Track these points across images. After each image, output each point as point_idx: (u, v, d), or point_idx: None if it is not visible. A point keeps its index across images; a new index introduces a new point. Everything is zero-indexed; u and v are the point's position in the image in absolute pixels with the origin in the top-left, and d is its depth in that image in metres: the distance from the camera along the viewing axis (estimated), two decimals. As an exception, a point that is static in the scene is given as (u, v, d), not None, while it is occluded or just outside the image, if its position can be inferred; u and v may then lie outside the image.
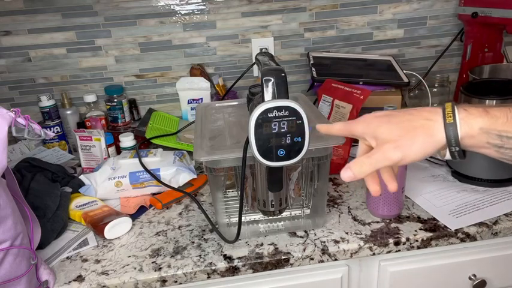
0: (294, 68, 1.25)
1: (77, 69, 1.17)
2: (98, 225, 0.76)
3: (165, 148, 0.99)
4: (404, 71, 1.14)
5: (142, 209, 0.86)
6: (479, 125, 0.45)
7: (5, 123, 0.55)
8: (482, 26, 1.12)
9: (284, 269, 0.73)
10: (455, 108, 0.46)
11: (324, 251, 0.70)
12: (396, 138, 0.47)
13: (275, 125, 0.55)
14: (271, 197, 0.68)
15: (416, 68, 1.28)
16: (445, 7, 1.22)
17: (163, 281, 0.68)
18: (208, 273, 0.69)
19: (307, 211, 0.78)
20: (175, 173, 0.88)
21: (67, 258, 0.73)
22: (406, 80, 1.10)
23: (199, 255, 0.71)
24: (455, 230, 0.72)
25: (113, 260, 0.71)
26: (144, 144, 1.04)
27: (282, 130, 0.55)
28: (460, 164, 0.86)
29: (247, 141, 0.61)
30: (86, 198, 0.85)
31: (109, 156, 1.02)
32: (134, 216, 0.83)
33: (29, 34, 1.11)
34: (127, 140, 1.00)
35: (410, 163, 0.48)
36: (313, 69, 1.11)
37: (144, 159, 0.89)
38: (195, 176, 0.90)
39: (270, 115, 0.54)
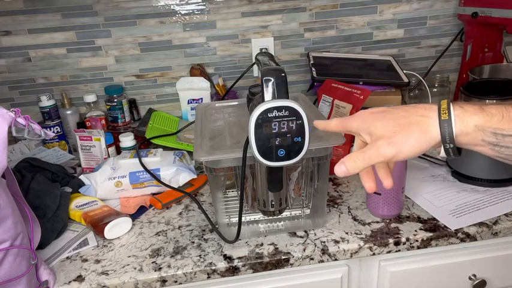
0: (294, 68, 1.25)
1: (77, 69, 1.17)
2: (98, 225, 0.76)
3: (165, 148, 0.99)
4: (404, 71, 1.14)
5: (142, 209, 0.86)
6: (474, 122, 0.45)
7: (5, 123, 0.55)
8: (482, 26, 1.12)
9: (284, 269, 0.73)
10: (451, 105, 0.46)
11: (324, 251, 0.70)
12: (390, 134, 0.47)
13: (275, 125, 0.55)
14: (271, 197, 0.68)
15: (416, 68, 1.28)
16: (445, 7, 1.22)
17: (163, 281, 0.68)
18: (208, 273, 0.69)
19: (307, 211, 0.78)
20: (175, 173, 0.88)
21: (67, 258, 0.73)
22: (406, 80, 1.10)
23: (199, 255, 0.71)
24: (455, 230, 0.72)
25: (113, 260, 0.71)
26: (144, 144, 1.04)
27: (282, 130, 0.55)
28: (460, 164, 0.86)
29: (247, 141, 0.61)
30: (86, 198, 0.85)
31: (109, 156, 1.02)
32: (134, 216, 0.83)
33: (29, 34, 1.11)
34: (127, 140, 1.00)
35: (405, 159, 0.48)
36: (313, 69, 1.11)
37: (144, 159, 0.89)
38: (195, 176, 0.90)
39: (270, 115, 0.54)
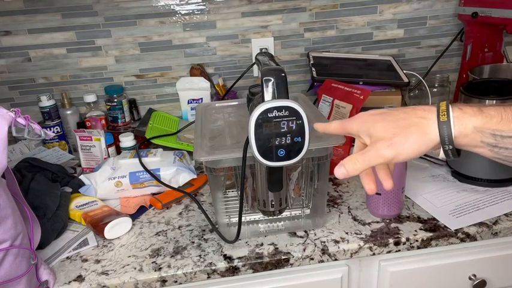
0: (294, 68, 1.25)
1: (77, 69, 1.17)
2: (98, 225, 0.76)
3: (165, 148, 0.99)
4: (404, 71, 1.14)
5: (142, 209, 0.86)
6: (473, 124, 0.45)
7: (5, 123, 0.55)
8: (482, 26, 1.12)
9: (284, 269, 0.73)
10: (450, 106, 0.46)
11: (324, 251, 0.70)
12: (390, 136, 0.48)
13: (275, 125, 0.55)
14: (271, 197, 0.68)
15: (416, 68, 1.28)
16: (445, 7, 1.22)
17: (163, 281, 0.68)
18: (208, 273, 0.69)
19: (307, 211, 0.78)
20: (175, 173, 0.88)
21: (67, 258, 0.73)
22: (406, 80, 1.10)
23: (199, 255, 0.71)
24: (455, 230, 0.72)
25: (113, 260, 0.71)
26: (144, 144, 1.04)
27: (282, 130, 0.55)
28: (460, 164, 0.86)
29: (247, 141, 0.61)
30: (86, 198, 0.85)
31: (109, 156, 1.02)
32: (134, 216, 0.83)
33: (29, 34, 1.11)
34: (127, 140, 1.00)
35: (404, 161, 0.49)
36: (313, 69, 1.11)
37: (144, 159, 0.89)
38: (195, 176, 0.90)
39: (270, 115, 0.54)
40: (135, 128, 1.11)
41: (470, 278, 0.80)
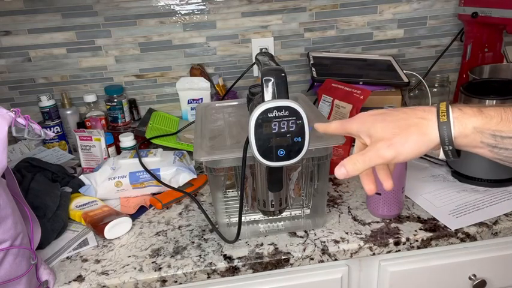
0: (294, 68, 1.25)
1: (77, 69, 1.17)
2: (98, 225, 0.76)
3: (165, 148, 0.99)
4: (404, 71, 1.14)
5: (142, 209, 0.86)
6: (473, 124, 0.45)
7: (5, 123, 0.55)
8: (482, 26, 1.12)
9: (284, 269, 0.73)
10: (450, 107, 0.46)
11: (324, 251, 0.70)
12: (390, 136, 0.48)
13: (275, 125, 0.55)
14: (271, 197, 0.68)
15: (416, 68, 1.28)
16: (445, 7, 1.22)
17: (163, 281, 0.68)
18: (208, 273, 0.69)
19: (307, 211, 0.78)
20: (175, 173, 0.88)
21: (67, 258, 0.73)
22: (406, 80, 1.10)
23: (199, 255, 0.71)
24: (455, 230, 0.72)
25: (113, 260, 0.71)
26: (144, 144, 1.04)
27: (282, 130, 0.55)
28: (460, 164, 0.86)
29: (247, 141, 0.61)
30: (86, 198, 0.85)
31: (109, 156, 1.02)
32: (134, 216, 0.83)
33: (29, 34, 1.11)
34: (127, 140, 1.00)
35: (404, 161, 0.49)
36: (313, 69, 1.11)
37: (144, 159, 0.89)
38: (195, 176, 0.90)
39: (270, 115, 0.54)
40: (135, 128, 1.11)
41: (470, 278, 0.80)
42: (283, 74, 0.56)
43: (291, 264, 0.70)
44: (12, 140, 1.08)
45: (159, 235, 0.77)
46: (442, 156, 0.48)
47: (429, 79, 1.17)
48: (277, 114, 0.54)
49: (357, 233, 0.73)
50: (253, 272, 0.70)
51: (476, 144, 0.46)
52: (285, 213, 0.76)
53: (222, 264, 0.69)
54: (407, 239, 0.72)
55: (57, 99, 1.15)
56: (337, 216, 0.78)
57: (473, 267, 0.80)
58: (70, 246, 0.75)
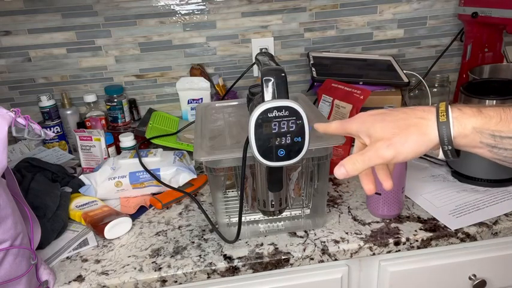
0: (294, 68, 1.25)
1: (77, 69, 1.17)
2: (98, 225, 0.76)
3: (165, 148, 0.99)
4: (404, 71, 1.14)
5: (142, 209, 0.86)
6: (473, 125, 0.45)
7: (5, 123, 0.55)
8: (482, 26, 1.12)
9: (284, 269, 0.73)
10: (449, 107, 0.46)
11: (324, 251, 0.70)
12: (389, 136, 0.48)
13: (275, 125, 0.55)
14: (271, 197, 0.68)
15: (416, 68, 1.28)
16: (445, 7, 1.22)
17: (163, 281, 0.68)
18: (208, 273, 0.69)
19: (307, 211, 0.78)
20: (175, 173, 0.88)
21: (67, 258, 0.73)
22: (406, 80, 1.10)
23: (199, 255, 0.71)
24: (455, 230, 0.72)
25: (113, 260, 0.71)
26: (144, 144, 1.04)
27: (282, 130, 0.55)
28: (460, 164, 0.86)
29: (247, 141, 0.61)
30: (86, 198, 0.85)
31: (109, 156, 1.02)
32: (134, 216, 0.83)
33: (29, 34, 1.11)
34: (127, 140, 1.00)
35: (404, 161, 0.49)
36: (313, 69, 1.11)
37: (144, 159, 0.89)
38: (195, 176, 0.90)
39: (270, 115, 0.54)
40: (135, 128, 1.11)
41: (470, 278, 0.80)
42: (283, 74, 0.56)
43: (291, 264, 0.70)
44: (12, 140, 1.08)
45: (159, 235, 0.77)
46: (441, 156, 0.48)
47: (429, 79, 1.17)
48: (277, 114, 0.54)
49: (357, 233, 0.73)
50: (253, 272, 0.70)
51: (476, 144, 0.46)
52: (285, 213, 0.76)
53: (222, 264, 0.69)
54: (407, 239, 0.72)
55: (57, 99, 1.15)
56: (337, 216, 0.78)
57: (473, 267, 0.80)
58: (70, 246, 0.75)
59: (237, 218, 0.68)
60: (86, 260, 0.72)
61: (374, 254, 0.72)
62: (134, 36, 1.15)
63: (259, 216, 0.76)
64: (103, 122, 1.12)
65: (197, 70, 1.17)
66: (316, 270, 0.75)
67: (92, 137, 1.00)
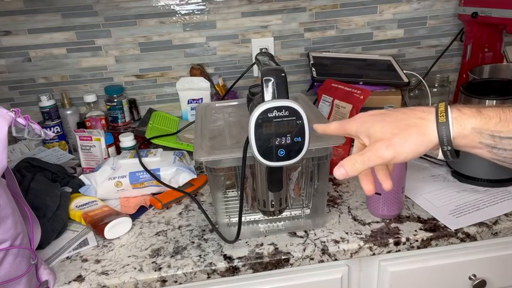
0: (294, 68, 1.25)
1: (77, 69, 1.17)
2: (98, 225, 0.76)
3: (165, 148, 0.99)
4: (404, 71, 1.14)
5: (142, 209, 0.86)
6: (472, 125, 0.45)
7: (5, 123, 0.55)
8: (482, 26, 1.12)
9: (284, 269, 0.73)
10: (449, 107, 0.46)
11: (324, 251, 0.70)
12: (389, 137, 0.48)
13: (275, 125, 0.55)
14: (271, 197, 0.68)
15: (416, 68, 1.28)
16: (445, 7, 1.22)
17: (163, 281, 0.68)
18: (208, 273, 0.69)
19: (307, 211, 0.78)
20: (175, 173, 0.88)
21: (67, 258, 0.73)
22: (406, 80, 1.10)
23: (199, 255, 0.71)
24: (455, 230, 0.72)
25: (113, 260, 0.71)
26: (144, 144, 1.04)
27: (282, 130, 0.55)
28: (460, 164, 0.86)
29: (247, 141, 0.61)
30: (86, 198, 0.85)
31: (109, 156, 1.02)
32: (134, 216, 0.83)
33: (29, 34, 1.11)
34: (127, 140, 1.00)
35: (403, 161, 0.49)
36: (313, 69, 1.11)
37: (144, 159, 0.89)
38: (195, 176, 0.90)
39: (270, 115, 0.54)
40: (135, 128, 1.11)
41: (470, 278, 0.80)
42: (283, 74, 0.56)
43: (291, 264, 0.70)
44: (12, 140, 1.08)
45: (159, 235, 0.77)
46: (441, 156, 0.48)
47: (429, 79, 1.17)
48: (277, 114, 0.54)
49: (357, 233, 0.73)
50: (253, 272, 0.70)
51: (475, 144, 0.46)
52: (285, 213, 0.76)
53: (222, 264, 0.69)
54: (407, 239, 0.72)
55: (57, 99, 1.15)
56: (337, 216, 0.78)
57: (473, 267, 0.80)
58: (70, 246, 0.75)
59: (237, 218, 0.68)
60: (86, 260, 0.72)
61: (374, 254, 0.72)
62: (134, 36, 1.15)
63: (259, 216, 0.76)
64: (103, 122, 1.12)
65: (197, 70, 1.17)
66: (316, 270, 0.75)
67: (92, 137, 1.00)
